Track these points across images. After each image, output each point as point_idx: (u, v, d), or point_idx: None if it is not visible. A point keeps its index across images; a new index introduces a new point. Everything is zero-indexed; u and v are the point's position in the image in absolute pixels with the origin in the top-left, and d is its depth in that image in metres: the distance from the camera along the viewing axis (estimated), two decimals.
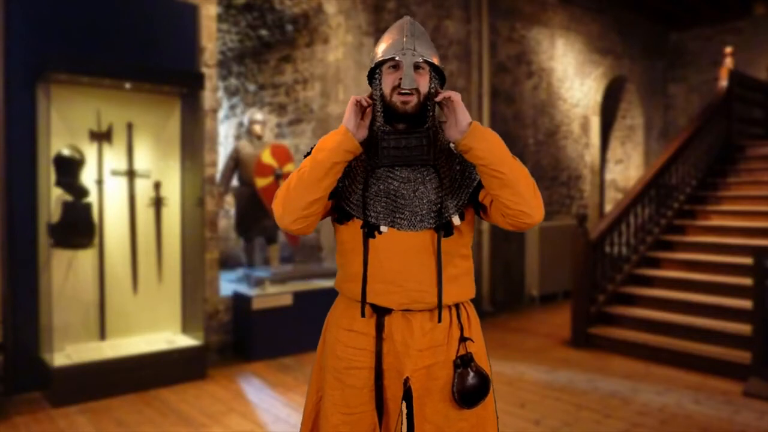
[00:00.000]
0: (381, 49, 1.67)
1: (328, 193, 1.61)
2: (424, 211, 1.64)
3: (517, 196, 1.55)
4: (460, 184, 1.66)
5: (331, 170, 1.57)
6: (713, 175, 7.25)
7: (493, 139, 1.57)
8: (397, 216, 1.64)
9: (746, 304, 4.72)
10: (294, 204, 1.59)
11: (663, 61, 9.87)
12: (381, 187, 1.65)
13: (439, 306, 1.65)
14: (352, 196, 1.66)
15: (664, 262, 6.06)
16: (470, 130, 1.55)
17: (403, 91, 1.61)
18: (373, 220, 1.64)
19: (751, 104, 8.47)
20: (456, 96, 1.58)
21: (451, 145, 1.65)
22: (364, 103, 1.62)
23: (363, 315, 1.66)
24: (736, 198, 6.73)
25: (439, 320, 1.65)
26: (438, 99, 1.60)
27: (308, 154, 1.66)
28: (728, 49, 7.86)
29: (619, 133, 9.70)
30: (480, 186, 1.66)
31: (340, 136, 1.58)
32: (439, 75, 1.70)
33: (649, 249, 6.23)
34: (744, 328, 4.65)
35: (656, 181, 6.45)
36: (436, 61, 1.67)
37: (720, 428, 3.61)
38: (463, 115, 1.57)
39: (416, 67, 1.62)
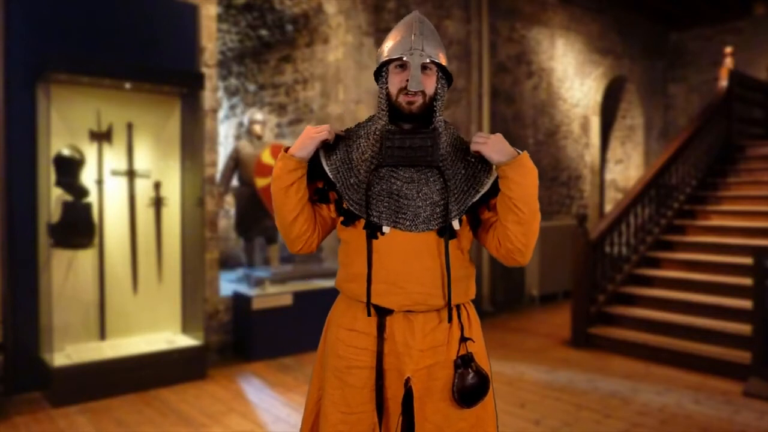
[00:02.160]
0: (388, 47, 1.65)
1: (305, 208, 1.68)
2: (426, 213, 1.63)
3: (525, 237, 1.60)
4: (463, 189, 1.65)
5: (287, 193, 1.65)
6: (713, 175, 7.25)
7: (530, 180, 1.57)
8: (400, 216, 1.64)
9: (746, 304, 4.72)
10: (282, 231, 1.72)
11: (663, 61, 9.87)
12: (384, 186, 1.64)
13: (449, 308, 1.65)
14: (354, 196, 1.66)
15: (664, 262, 6.06)
16: (515, 161, 1.56)
17: (410, 92, 1.61)
18: (375, 219, 1.64)
19: (751, 104, 8.47)
20: (481, 146, 1.59)
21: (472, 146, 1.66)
22: (330, 140, 1.69)
23: (369, 314, 1.66)
24: (736, 198, 6.73)
25: (449, 320, 1.65)
26: (474, 150, 1.63)
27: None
28: (728, 49, 7.86)
29: (619, 133, 9.70)
30: (483, 200, 1.67)
31: (281, 162, 1.65)
32: (446, 75, 1.69)
33: (649, 249, 6.23)
34: (744, 328, 4.65)
35: (656, 181, 6.45)
36: (443, 61, 1.66)
37: (720, 428, 3.61)
38: (497, 154, 1.58)
39: (423, 67, 1.61)
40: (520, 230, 1.58)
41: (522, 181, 1.56)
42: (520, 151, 1.59)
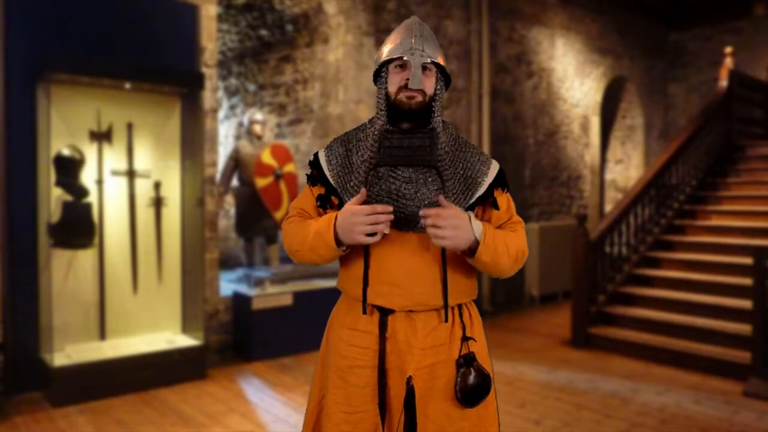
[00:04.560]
0: (388, 49, 1.67)
1: None
2: None
3: (498, 276, 1.75)
4: (461, 190, 1.66)
5: (322, 260, 1.71)
6: (713, 175, 7.25)
7: (490, 267, 1.65)
8: (399, 216, 1.64)
9: (746, 304, 4.72)
10: (311, 262, 1.76)
11: (663, 61, 9.87)
12: (383, 186, 1.64)
13: (446, 307, 1.65)
14: (353, 196, 1.66)
15: (664, 262, 6.06)
16: (475, 260, 1.61)
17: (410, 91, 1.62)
18: None
19: (751, 104, 8.47)
20: (439, 240, 1.53)
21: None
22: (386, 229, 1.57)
23: (365, 312, 1.66)
24: (736, 198, 6.73)
25: (446, 320, 1.66)
26: (423, 225, 1.56)
27: (309, 176, 1.76)
28: (728, 49, 7.86)
29: (619, 133, 9.70)
30: (479, 202, 1.68)
31: (327, 251, 1.65)
32: (444, 77, 1.70)
33: (649, 249, 6.23)
34: (744, 328, 4.65)
35: (656, 181, 6.45)
36: (442, 62, 1.67)
37: (720, 428, 3.61)
38: (463, 240, 1.56)
39: (423, 68, 1.62)
40: (493, 275, 1.74)
41: (484, 268, 1.66)
42: (478, 236, 1.57)
